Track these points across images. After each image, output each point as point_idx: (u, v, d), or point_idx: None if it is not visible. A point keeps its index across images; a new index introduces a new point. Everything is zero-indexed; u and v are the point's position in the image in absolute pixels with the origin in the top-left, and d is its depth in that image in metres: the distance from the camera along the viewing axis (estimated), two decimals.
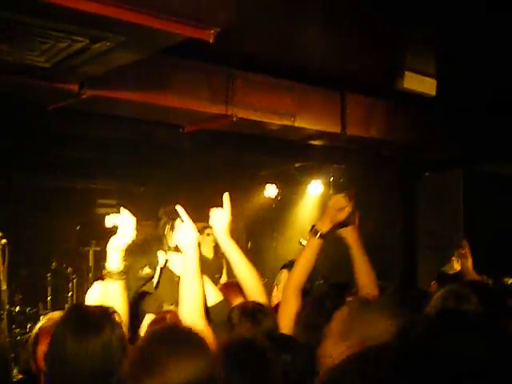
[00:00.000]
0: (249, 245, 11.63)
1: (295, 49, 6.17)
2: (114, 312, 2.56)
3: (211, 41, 4.40)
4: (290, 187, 10.90)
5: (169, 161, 9.55)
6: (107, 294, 3.02)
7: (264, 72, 6.70)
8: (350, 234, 3.59)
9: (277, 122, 6.84)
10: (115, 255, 3.06)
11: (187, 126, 7.11)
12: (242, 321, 3.03)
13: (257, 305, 3.21)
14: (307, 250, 3.44)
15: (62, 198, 10.57)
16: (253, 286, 3.48)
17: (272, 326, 3.06)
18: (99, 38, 4.47)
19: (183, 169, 10.21)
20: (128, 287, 3.12)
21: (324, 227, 3.40)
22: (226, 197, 3.56)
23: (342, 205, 3.48)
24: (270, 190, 10.92)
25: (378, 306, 2.32)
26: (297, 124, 6.95)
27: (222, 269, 8.43)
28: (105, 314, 2.57)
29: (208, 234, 8.56)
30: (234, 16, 4.32)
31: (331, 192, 10.16)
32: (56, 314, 3.36)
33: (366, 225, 9.29)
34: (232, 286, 3.83)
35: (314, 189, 10.48)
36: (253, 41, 5.81)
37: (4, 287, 7.10)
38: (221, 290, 3.61)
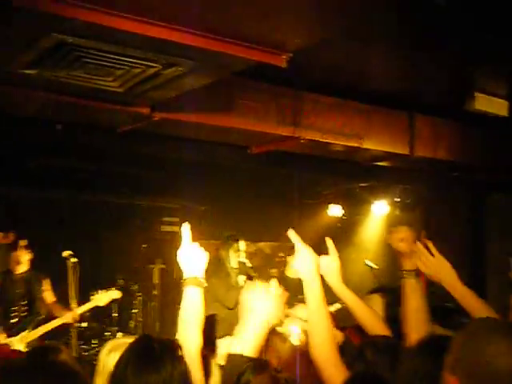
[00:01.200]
0: None
1: (364, 71, 6.16)
2: (179, 346, 2.56)
3: (284, 66, 4.41)
4: (355, 207, 10.83)
5: (232, 180, 9.60)
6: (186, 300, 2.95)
7: (332, 93, 6.70)
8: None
9: (344, 143, 6.81)
10: (190, 263, 3.00)
11: (254, 147, 7.14)
12: (377, 357, 2.93)
13: (389, 339, 3.17)
14: (414, 295, 3.31)
15: (128, 216, 10.72)
16: (374, 326, 3.43)
17: None
18: (172, 64, 4.53)
19: (246, 188, 10.24)
20: None
21: (412, 265, 3.34)
22: (330, 242, 3.53)
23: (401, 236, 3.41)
24: (335, 210, 10.86)
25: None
26: (364, 146, 6.91)
27: None
28: (169, 348, 2.57)
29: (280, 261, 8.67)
30: (306, 42, 4.31)
31: (397, 212, 10.06)
32: (121, 341, 3.38)
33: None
34: None
35: (379, 209, 10.38)
36: (321, 63, 5.82)
37: (74, 305, 7.23)
38: None
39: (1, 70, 4.72)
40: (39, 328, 7.38)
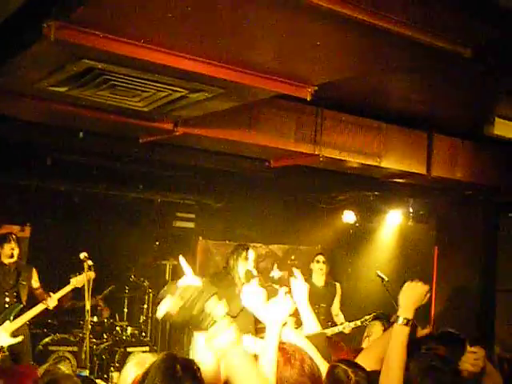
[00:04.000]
0: None
1: (384, 90, 6.19)
2: (198, 368, 2.65)
3: (308, 99, 4.47)
4: (369, 215, 10.85)
5: (248, 181, 9.64)
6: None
7: (352, 111, 6.74)
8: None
9: (363, 161, 6.85)
10: None
11: (273, 161, 7.20)
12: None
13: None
14: (398, 342, 3.33)
15: (142, 212, 10.79)
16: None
17: None
18: (197, 90, 4.60)
19: (261, 190, 10.29)
20: None
21: (410, 314, 3.40)
22: (298, 271, 3.68)
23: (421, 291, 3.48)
24: (348, 216, 10.89)
25: None
26: (382, 164, 6.95)
27: (334, 297, 8.53)
28: (190, 369, 2.66)
29: (318, 261, 8.74)
30: (331, 78, 4.37)
31: (410, 223, 10.10)
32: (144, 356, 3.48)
33: (443, 261, 9.29)
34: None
35: (393, 219, 10.41)
36: (342, 81, 5.85)
37: (88, 307, 7.35)
38: None
39: (30, 87, 4.80)
40: (22, 316, 7.53)
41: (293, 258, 10.64)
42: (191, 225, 11.59)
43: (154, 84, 4.51)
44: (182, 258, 3.03)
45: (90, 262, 7.34)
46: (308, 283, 3.86)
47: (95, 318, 9.24)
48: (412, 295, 3.44)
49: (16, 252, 7.80)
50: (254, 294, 3.14)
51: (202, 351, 2.92)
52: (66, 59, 4.13)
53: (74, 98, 4.98)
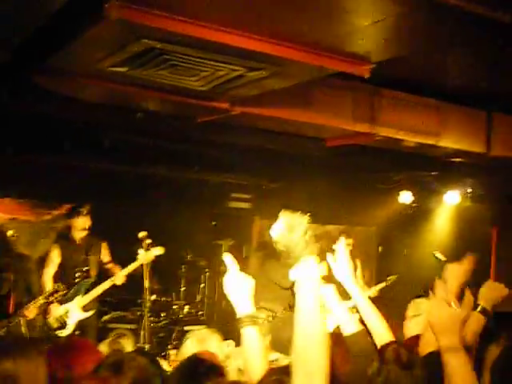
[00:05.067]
0: (379, 249, 11.61)
1: (442, 68, 6.10)
2: (223, 371, 2.71)
3: (366, 76, 4.44)
4: (425, 195, 10.71)
5: (304, 162, 9.62)
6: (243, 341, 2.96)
7: (409, 90, 6.67)
8: None
9: (420, 140, 6.78)
10: (241, 300, 2.99)
11: (329, 140, 7.18)
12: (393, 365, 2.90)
13: (411, 353, 3.06)
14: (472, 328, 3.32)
15: (197, 192, 10.87)
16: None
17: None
18: (255, 69, 4.62)
19: (318, 171, 10.26)
20: None
21: (489, 306, 3.44)
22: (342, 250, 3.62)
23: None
24: (405, 196, 10.77)
25: None
26: (440, 143, 6.87)
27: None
28: (213, 371, 2.74)
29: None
30: (389, 52, 4.33)
31: (468, 203, 9.95)
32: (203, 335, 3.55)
33: (502, 242, 9.13)
34: None
35: (451, 199, 10.25)
36: (400, 60, 5.78)
37: (147, 285, 7.49)
38: None
39: (91, 68, 4.88)
40: (91, 292, 7.70)
41: (349, 239, 10.61)
42: (247, 205, 11.64)
43: (213, 63, 4.55)
44: (226, 256, 3.07)
45: (148, 241, 7.47)
46: None
47: (153, 297, 9.41)
48: (493, 292, 3.50)
49: (88, 225, 7.94)
50: None
51: (251, 345, 2.95)
52: (127, 39, 4.18)
53: (134, 78, 5.05)
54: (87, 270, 7.99)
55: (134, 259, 7.80)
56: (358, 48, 4.27)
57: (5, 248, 8.14)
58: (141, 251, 7.68)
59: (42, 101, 6.17)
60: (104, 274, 8.14)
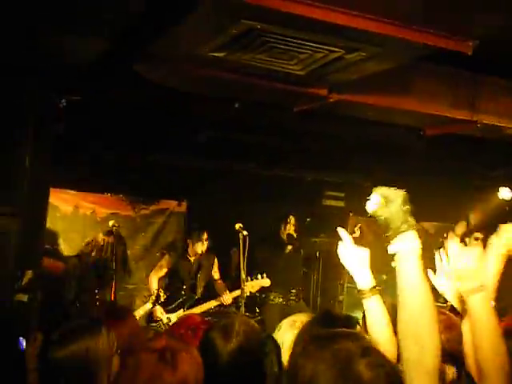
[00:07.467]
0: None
1: None
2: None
3: (470, 53, 4.33)
4: None
5: (401, 159, 9.47)
6: (368, 312, 3.00)
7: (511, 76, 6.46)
8: None
9: None
10: (362, 272, 3.02)
11: (427, 129, 7.04)
12: None
13: None
14: None
15: (292, 189, 10.87)
16: None
17: None
18: (355, 49, 4.57)
19: (414, 166, 10.07)
20: None
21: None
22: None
23: None
24: (505, 193, 10.41)
25: None
26: None
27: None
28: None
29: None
30: (493, 29, 4.21)
31: None
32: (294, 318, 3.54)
33: None
34: None
35: None
36: (499, 44, 5.61)
37: (243, 276, 7.54)
38: None
39: (189, 53, 4.95)
40: (194, 308, 7.83)
41: (445, 235, 10.34)
42: (341, 203, 11.57)
43: (311, 44, 4.53)
44: (340, 230, 3.08)
45: (244, 233, 7.52)
46: None
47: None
48: None
49: (203, 250, 8.16)
50: None
51: (376, 316, 2.97)
52: (225, 21, 4.22)
53: (232, 63, 5.09)
54: (194, 285, 8.18)
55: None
56: (461, 21, 4.16)
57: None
58: (248, 279, 7.91)
59: (139, 91, 6.33)
60: (210, 290, 8.33)
